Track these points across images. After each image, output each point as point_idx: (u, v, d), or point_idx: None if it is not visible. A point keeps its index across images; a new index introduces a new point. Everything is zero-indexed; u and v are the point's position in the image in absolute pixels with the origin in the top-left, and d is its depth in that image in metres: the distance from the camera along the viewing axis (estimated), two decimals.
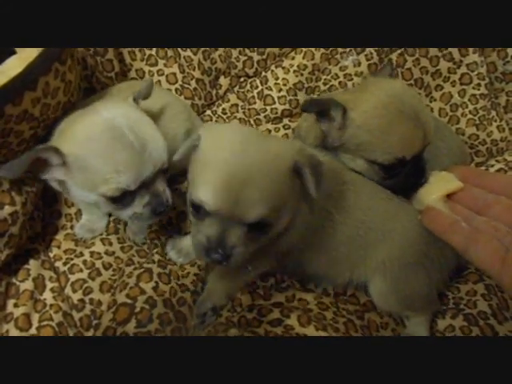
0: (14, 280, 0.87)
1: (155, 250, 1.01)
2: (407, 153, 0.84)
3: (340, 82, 1.32)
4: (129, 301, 0.86)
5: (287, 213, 0.73)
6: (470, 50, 1.25)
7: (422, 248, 0.88)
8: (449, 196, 0.78)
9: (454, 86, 1.29)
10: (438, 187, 0.79)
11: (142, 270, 0.93)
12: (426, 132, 0.84)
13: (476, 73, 1.27)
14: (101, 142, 0.73)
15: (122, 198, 0.77)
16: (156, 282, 0.90)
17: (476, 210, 0.73)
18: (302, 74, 1.33)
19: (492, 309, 0.93)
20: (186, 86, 1.28)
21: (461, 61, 1.27)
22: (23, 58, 0.71)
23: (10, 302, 0.85)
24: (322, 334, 0.86)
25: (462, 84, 1.28)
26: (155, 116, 0.98)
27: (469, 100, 1.27)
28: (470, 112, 1.27)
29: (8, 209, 0.80)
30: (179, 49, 1.26)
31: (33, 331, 0.82)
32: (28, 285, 0.88)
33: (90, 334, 0.86)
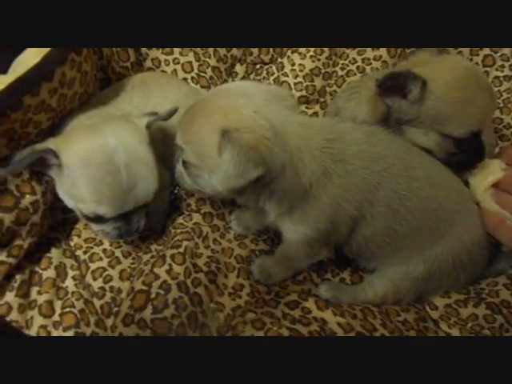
0: (36, 268, 0.90)
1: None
2: (482, 126, 0.84)
3: (358, 67, 1.29)
4: (144, 287, 0.87)
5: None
6: None
7: (474, 250, 0.88)
8: (496, 184, 0.82)
9: None
10: (482, 179, 0.84)
11: (158, 257, 0.94)
12: (496, 107, 0.86)
13: (499, 54, 1.22)
14: (95, 170, 0.75)
15: (95, 219, 0.81)
16: (169, 265, 0.90)
17: None
18: (318, 60, 1.31)
19: None
20: (202, 74, 1.28)
21: None
22: (40, 48, 0.72)
23: (34, 290, 0.87)
24: (340, 319, 0.86)
25: (484, 66, 1.23)
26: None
27: (492, 82, 1.22)
28: None
29: (29, 198, 0.82)
30: None
31: (56, 318, 0.84)
32: (50, 273, 0.90)
33: (110, 321, 0.87)
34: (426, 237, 0.86)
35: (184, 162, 0.81)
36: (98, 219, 0.81)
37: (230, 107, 0.74)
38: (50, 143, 0.76)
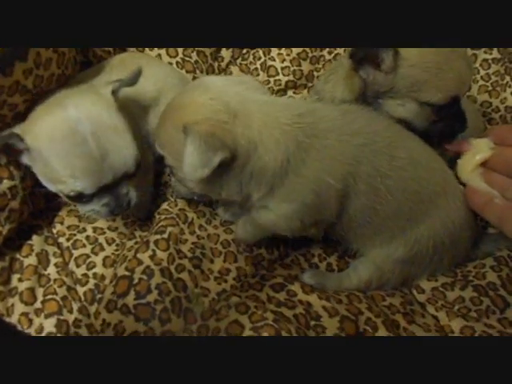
0: (17, 255, 0.89)
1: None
2: (460, 91, 0.83)
3: (345, 50, 1.27)
4: (127, 273, 0.85)
5: None
6: None
7: (456, 233, 0.87)
8: (484, 163, 0.81)
9: None
10: (470, 158, 0.82)
11: (141, 243, 0.93)
12: (472, 73, 0.84)
13: None
14: (61, 145, 0.72)
15: (78, 198, 0.78)
16: (153, 250, 0.89)
17: (510, 174, 0.77)
18: None
19: (502, 280, 0.90)
20: (187, 59, 1.26)
21: None
22: None
23: (15, 277, 0.86)
24: (325, 303, 0.85)
25: (472, 49, 1.23)
26: (146, 93, 0.97)
27: (480, 65, 1.22)
28: (481, 78, 1.22)
29: (6, 183, 0.81)
30: None
31: (38, 305, 0.83)
32: (32, 260, 0.89)
33: (93, 307, 0.86)
34: (406, 218, 0.85)
35: (169, 168, 0.82)
36: (83, 198, 0.78)
37: (187, 101, 0.76)
38: (16, 128, 0.73)
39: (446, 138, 0.87)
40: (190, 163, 0.70)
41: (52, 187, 0.78)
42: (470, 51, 1.22)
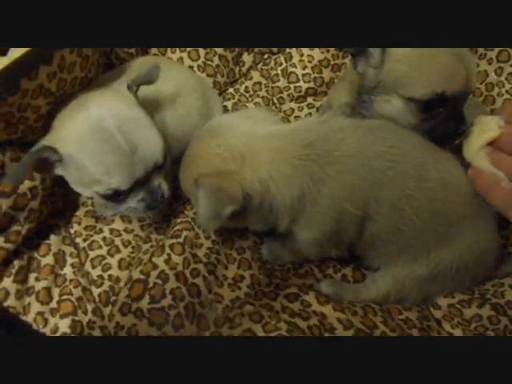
0: (35, 254, 0.89)
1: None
2: (447, 87, 0.78)
3: None
4: (142, 276, 0.86)
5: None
6: None
7: (481, 257, 0.85)
8: (492, 143, 0.75)
9: (490, 64, 1.21)
10: (477, 137, 0.77)
11: (157, 246, 0.93)
12: (469, 73, 0.79)
13: None
14: (90, 144, 0.73)
15: (115, 196, 0.78)
16: (168, 255, 0.89)
17: None
18: (328, 51, 1.28)
19: None
20: (209, 62, 1.26)
21: None
22: None
23: (32, 276, 0.86)
24: (340, 315, 0.84)
25: (499, 61, 1.19)
26: (166, 96, 0.97)
27: (506, 79, 1.19)
28: (506, 91, 1.19)
29: (27, 183, 0.81)
30: None
31: (53, 305, 0.84)
32: (49, 259, 0.89)
33: (107, 309, 0.87)
34: (432, 239, 0.83)
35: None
36: (119, 195, 0.78)
37: (198, 152, 0.80)
38: (44, 141, 0.74)
39: (442, 140, 0.83)
40: (203, 215, 0.73)
41: (87, 191, 0.79)
42: (496, 64, 1.19)
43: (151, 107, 0.91)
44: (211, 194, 0.71)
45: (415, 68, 0.78)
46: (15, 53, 0.67)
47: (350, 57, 0.87)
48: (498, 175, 0.74)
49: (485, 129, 0.76)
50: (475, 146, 0.77)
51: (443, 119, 0.81)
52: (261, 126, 0.80)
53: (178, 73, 1.06)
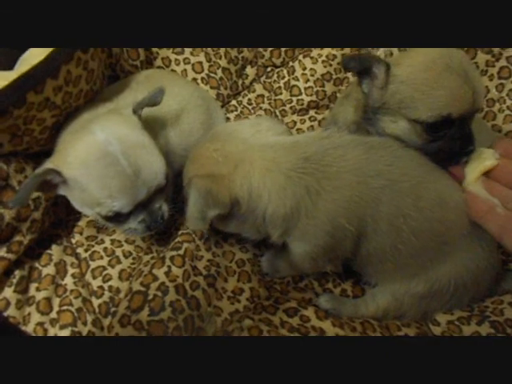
0: (36, 264, 0.90)
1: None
2: (453, 110, 0.78)
3: None
4: (142, 288, 0.86)
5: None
6: None
7: (479, 276, 0.85)
8: (487, 173, 0.77)
9: (491, 80, 1.22)
10: (474, 166, 0.79)
11: (157, 258, 0.94)
12: (476, 92, 0.78)
13: None
14: (95, 168, 0.74)
15: (116, 217, 0.80)
16: (168, 267, 0.90)
17: None
18: (330, 65, 1.29)
19: None
20: (212, 75, 1.27)
21: (500, 53, 1.19)
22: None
23: (33, 286, 0.87)
24: (339, 331, 0.84)
25: (500, 78, 1.20)
26: (170, 111, 0.98)
27: (507, 95, 1.19)
28: (507, 107, 1.20)
29: None
30: None
31: (53, 315, 0.85)
32: (50, 270, 0.90)
33: (107, 320, 0.87)
34: (429, 257, 0.83)
35: None
36: (120, 217, 0.80)
37: (197, 154, 0.81)
38: (47, 164, 0.75)
39: (448, 160, 0.83)
40: (191, 215, 0.75)
41: (89, 211, 0.80)
42: (497, 81, 1.20)
43: (155, 123, 0.93)
44: (200, 195, 0.73)
45: (420, 90, 0.78)
46: (22, 67, 0.67)
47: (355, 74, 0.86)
48: (493, 201, 0.75)
49: (483, 158, 0.78)
50: (473, 174, 0.78)
51: (450, 139, 0.81)
52: (262, 135, 0.81)
53: (182, 89, 1.07)
